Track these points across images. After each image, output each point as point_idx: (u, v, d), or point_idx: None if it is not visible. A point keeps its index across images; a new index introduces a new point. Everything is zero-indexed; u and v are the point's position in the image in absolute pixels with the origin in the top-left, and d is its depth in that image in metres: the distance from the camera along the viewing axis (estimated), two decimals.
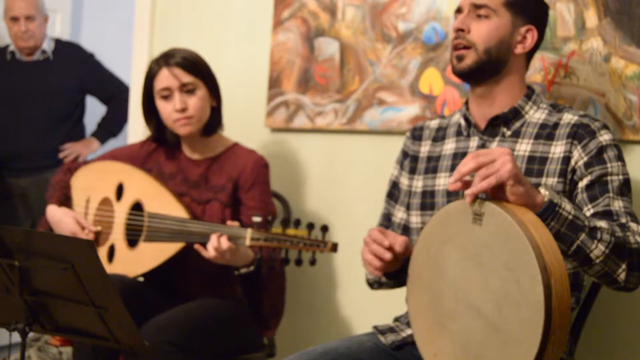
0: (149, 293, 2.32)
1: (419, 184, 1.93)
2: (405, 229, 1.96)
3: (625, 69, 1.96)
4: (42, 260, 1.60)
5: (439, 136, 1.94)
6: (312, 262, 1.99)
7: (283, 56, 2.68)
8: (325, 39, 2.59)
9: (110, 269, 2.30)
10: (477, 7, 1.79)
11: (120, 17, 4.17)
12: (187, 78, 2.29)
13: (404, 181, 1.97)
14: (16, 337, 1.70)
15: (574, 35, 2.05)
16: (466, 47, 1.79)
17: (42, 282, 1.63)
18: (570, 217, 1.49)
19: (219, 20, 2.94)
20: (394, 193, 2.00)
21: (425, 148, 1.95)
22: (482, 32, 1.78)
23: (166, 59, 2.31)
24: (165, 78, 2.30)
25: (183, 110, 2.29)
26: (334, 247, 1.97)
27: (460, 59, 1.80)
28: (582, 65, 2.04)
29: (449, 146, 1.90)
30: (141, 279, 2.39)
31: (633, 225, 1.61)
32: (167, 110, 2.31)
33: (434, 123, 1.98)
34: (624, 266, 1.54)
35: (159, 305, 2.24)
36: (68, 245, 1.61)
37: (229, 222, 2.10)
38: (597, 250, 1.51)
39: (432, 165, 1.91)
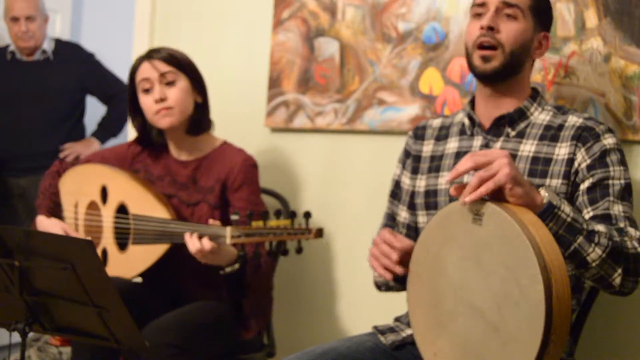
0: (148, 295, 2.31)
1: (421, 183, 1.92)
2: (410, 228, 1.95)
3: (625, 69, 1.96)
4: (42, 260, 1.60)
5: (442, 135, 1.93)
6: (299, 250, 1.96)
7: (283, 56, 2.68)
8: (325, 39, 2.59)
9: None
10: (508, 5, 1.74)
11: (120, 17, 4.17)
12: (165, 68, 2.28)
13: (406, 180, 1.97)
14: (16, 337, 1.69)
15: (574, 35, 2.05)
16: (493, 47, 1.74)
17: (42, 282, 1.63)
18: (568, 219, 1.49)
19: (219, 20, 2.93)
20: (397, 193, 2.00)
21: (428, 147, 1.95)
22: (511, 34, 1.74)
23: (148, 53, 2.32)
24: (145, 70, 2.29)
25: (162, 100, 2.26)
26: (319, 233, 1.94)
27: (487, 59, 1.75)
28: (582, 65, 2.03)
29: (452, 145, 1.89)
30: (139, 279, 2.38)
31: (631, 231, 1.61)
32: (148, 103, 2.29)
33: (437, 122, 1.98)
34: (619, 271, 1.54)
35: (158, 307, 2.24)
36: (68, 245, 1.60)
37: (210, 221, 2.07)
38: (594, 253, 1.51)
39: (435, 165, 1.91)
